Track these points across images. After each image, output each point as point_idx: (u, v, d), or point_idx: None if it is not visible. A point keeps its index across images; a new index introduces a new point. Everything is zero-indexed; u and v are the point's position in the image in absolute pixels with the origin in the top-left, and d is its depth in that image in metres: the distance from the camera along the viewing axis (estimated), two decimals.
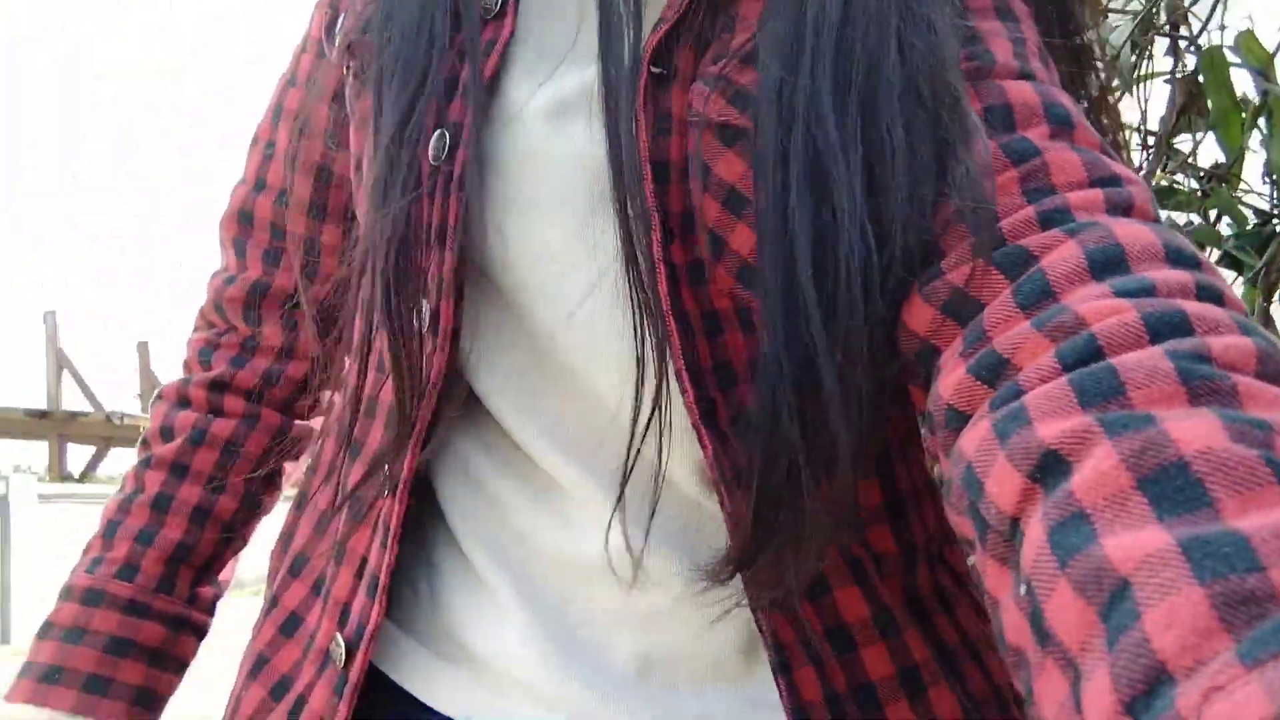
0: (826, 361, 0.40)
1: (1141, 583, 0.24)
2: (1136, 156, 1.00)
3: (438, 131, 0.49)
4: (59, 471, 8.81)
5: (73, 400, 9.05)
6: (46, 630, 0.63)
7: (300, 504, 0.63)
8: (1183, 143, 0.96)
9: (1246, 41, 0.89)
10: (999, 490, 0.31)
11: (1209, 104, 0.92)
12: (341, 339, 0.58)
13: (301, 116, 0.64)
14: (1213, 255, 0.90)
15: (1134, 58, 0.97)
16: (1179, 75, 0.95)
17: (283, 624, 0.59)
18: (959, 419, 0.36)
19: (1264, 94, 0.88)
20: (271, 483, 0.68)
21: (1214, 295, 0.34)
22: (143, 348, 9.60)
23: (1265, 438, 0.26)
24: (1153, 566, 0.24)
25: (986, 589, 0.32)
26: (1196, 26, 0.94)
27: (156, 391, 0.70)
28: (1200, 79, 0.93)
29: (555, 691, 0.53)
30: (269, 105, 0.69)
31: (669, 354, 0.46)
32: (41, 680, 0.61)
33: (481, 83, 0.49)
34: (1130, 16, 0.98)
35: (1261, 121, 0.90)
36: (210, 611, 0.66)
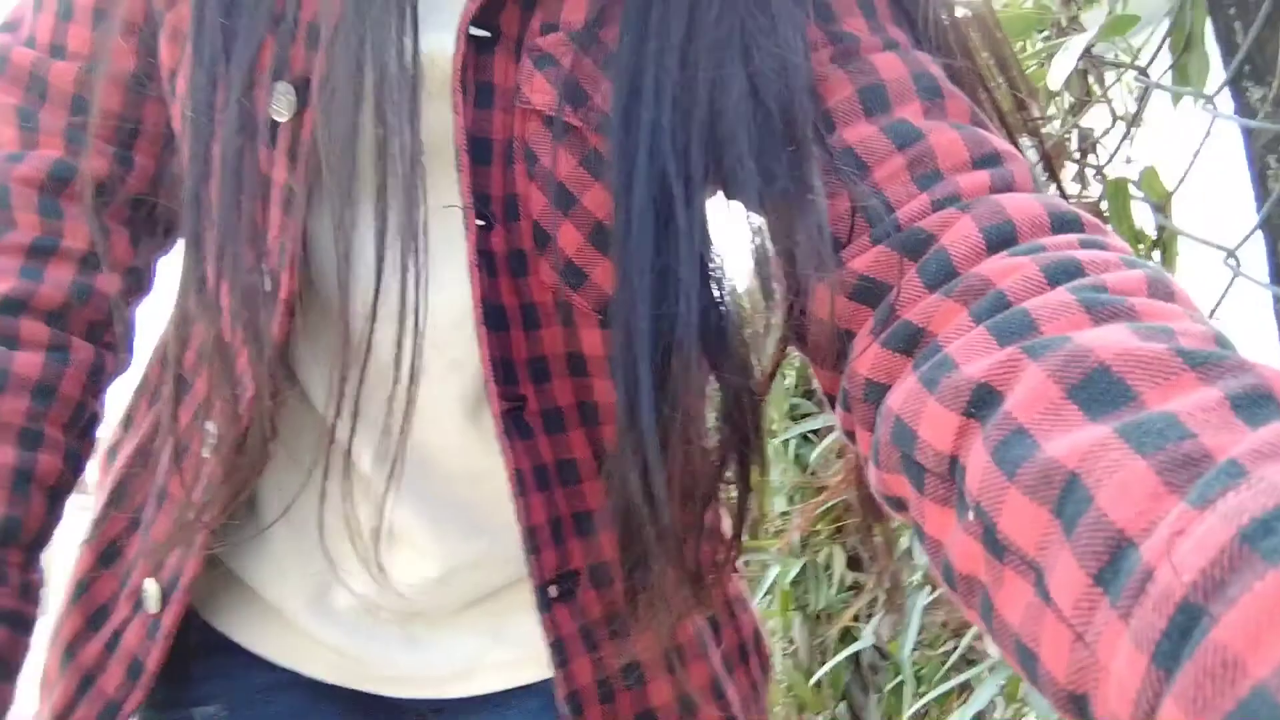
0: (653, 442, 0.41)
1: (1088, 470, 0.25)
2: None
3: (280, 83, 0.44)
4: None
5: None
6: None
7: (127, 423, 0.56)
8: None
9: (1148, 177, 0.91)
10: (933, 434, 0.32)
11: None
12: (163, 247, 0.52)
13: None
14: None
15: (1044, 179, 0.99)
16: (1084, 202, 0.97)
17: (102, 553, 0.55)
18: (878, 391, 0.36)
19: (1160, 229, 0.90)
20: (87, 434, 0.55)
21: (1099, 245, 0.35)
22: None
23: (1169, 337, 0.28)
24: (1096, 455, 0.25)
25: (927, 535, 0.33)
26: (1105, 157, 0.96)
27: None
28: (1103, 207, 0.94)
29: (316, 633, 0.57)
30: None
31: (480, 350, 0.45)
32: None
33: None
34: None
35: (1156, 254, 0.91)
36: (39, 604, 0.52)
